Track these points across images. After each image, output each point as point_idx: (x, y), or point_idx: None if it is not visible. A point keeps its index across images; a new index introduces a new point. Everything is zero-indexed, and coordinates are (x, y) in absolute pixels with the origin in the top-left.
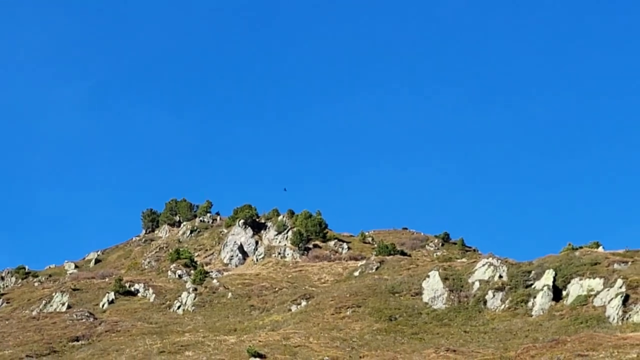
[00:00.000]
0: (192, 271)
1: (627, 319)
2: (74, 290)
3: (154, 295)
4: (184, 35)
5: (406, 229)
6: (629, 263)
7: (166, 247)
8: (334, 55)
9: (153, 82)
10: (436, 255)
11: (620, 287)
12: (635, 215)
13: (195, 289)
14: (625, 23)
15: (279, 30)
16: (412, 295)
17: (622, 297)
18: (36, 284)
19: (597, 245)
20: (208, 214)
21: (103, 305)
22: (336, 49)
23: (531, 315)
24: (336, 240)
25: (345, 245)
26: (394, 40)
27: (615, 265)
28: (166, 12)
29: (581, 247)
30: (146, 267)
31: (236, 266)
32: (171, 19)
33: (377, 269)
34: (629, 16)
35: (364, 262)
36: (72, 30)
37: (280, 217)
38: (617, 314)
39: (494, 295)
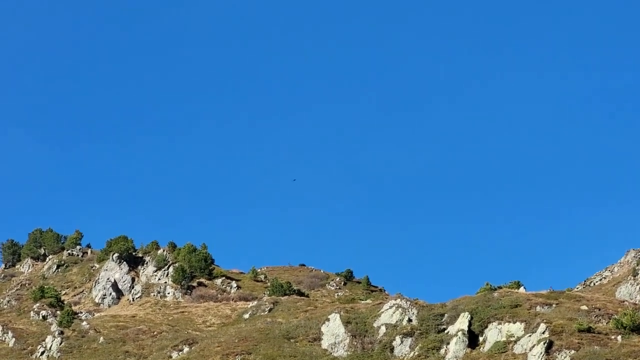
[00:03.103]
0: (58, 312)
1: None
2: None
3: (13, 339)
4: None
5: (304, 265)
6: (553, 305)
7: (29, 284)
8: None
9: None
10: (337, 295)
11: (543, 333)
12: (560, 253)
13: (62, 333)
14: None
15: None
16: (309, 341)
17: (545, 344)
18: None
19: (518, 286)
20: (78, 247)
21: None
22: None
23: None
24: (224, 278)
25: (234, 284)
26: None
27: (538, 308)
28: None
29: (500, 287)
30: (5, 306)
31: (109, 306)
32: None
33: (270, 310)
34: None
35: (255, 303)
36: None
37: (160, 251)
38: None
39: (402, 341)
